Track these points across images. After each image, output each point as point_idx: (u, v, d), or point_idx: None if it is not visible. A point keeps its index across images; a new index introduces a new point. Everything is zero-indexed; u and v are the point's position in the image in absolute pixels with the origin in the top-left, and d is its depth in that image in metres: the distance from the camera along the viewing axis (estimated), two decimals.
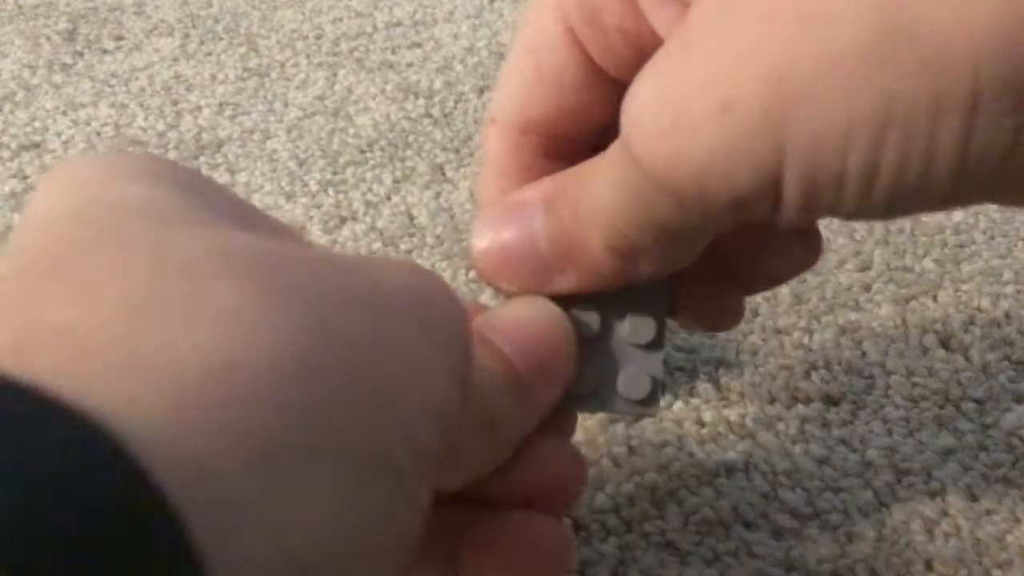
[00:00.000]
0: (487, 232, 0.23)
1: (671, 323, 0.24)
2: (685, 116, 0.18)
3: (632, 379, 0.23)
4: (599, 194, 0.21)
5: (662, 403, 0.23)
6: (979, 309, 0.36)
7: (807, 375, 0.33)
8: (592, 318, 0.23)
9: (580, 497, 0.25)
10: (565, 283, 0.22)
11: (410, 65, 0.57)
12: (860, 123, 0.17)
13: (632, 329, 0.23)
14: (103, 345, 0.13)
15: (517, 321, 0.22)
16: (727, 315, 0.25)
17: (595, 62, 0.23)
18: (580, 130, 0.24)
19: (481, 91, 0.54)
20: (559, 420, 0.23)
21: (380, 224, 0.42)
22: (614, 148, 0.21)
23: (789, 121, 0.17)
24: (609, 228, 0.21)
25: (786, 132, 0.17)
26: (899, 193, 0.17)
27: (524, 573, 0.22)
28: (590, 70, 0.23)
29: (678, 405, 0.32)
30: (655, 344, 0.23)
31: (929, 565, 0.27)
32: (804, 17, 0.17)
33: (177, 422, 0.13)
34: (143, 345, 0.13)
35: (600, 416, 0.31)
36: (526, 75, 0.24)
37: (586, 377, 0.23)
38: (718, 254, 0.23)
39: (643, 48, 0.22)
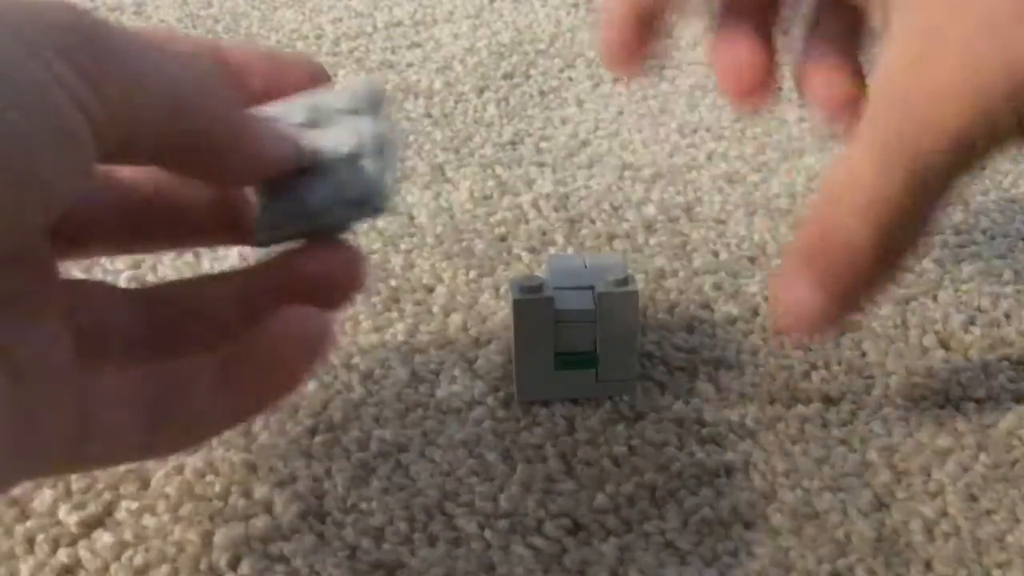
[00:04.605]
0: (780, 303, 0.26)
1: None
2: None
3: (352, 185, 0.25)
4: (860, 187, 0.25)
5: (384, 202, 0.25)
6: (979, 309, 0.36)
7: (807, 375, 0.33)
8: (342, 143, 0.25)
9: (355, 292, 0.26)
10: (854, 311, 0.26)
11: (410, 65, 0.57)
12: None
13: (348, 142, 0.25)
14: None
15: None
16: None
17: None
18: None
19: (481, 91, 0.54)
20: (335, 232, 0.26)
21: (380, 224, 0.42)
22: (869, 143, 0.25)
23: None
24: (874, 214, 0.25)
25: None
26: None
27: (278, 365, 0.24)
28: None
29: (678, 405, 0.32)
30: (360, 154, 0.25)
31: (929, 565, 0.27)
32: None
33: None
34: None
35: (601, 415, 0.31)
36: None
37: (314, 194, 0.25)
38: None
39: None
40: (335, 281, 0.25)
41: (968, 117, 0.23)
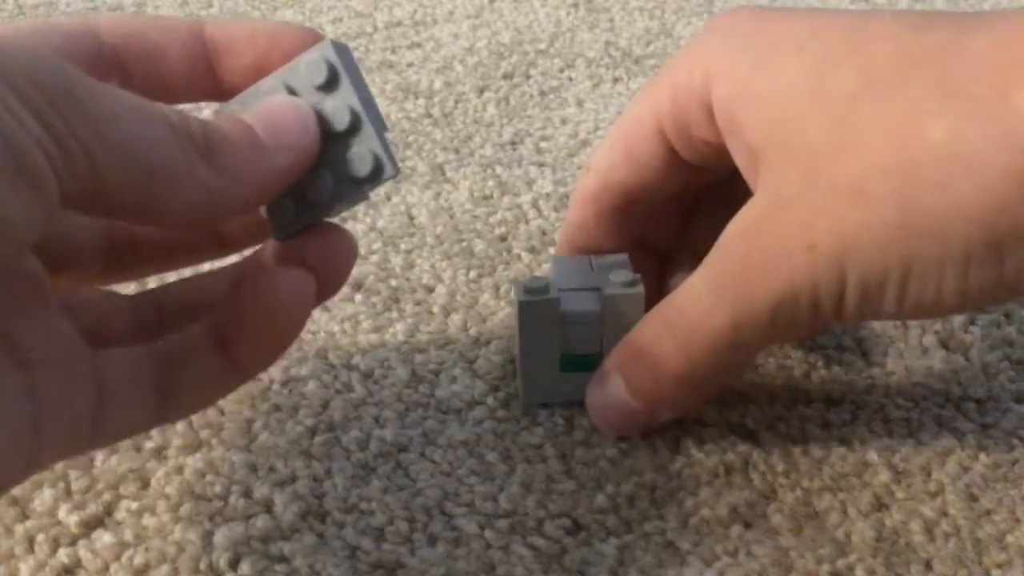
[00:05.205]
0: (592, 400, 0.30)
1: None
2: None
3: (355, 162, 0.25)
4: (674, 349, 0.28)
5: (396, 167, 0.25)
6: (979, 309, 0.36)
7: (807, 375, 0.33)
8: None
9: (346, 277, 0.27)
10: (662, 419, 0.30)
11: (410, 65, 0.57)
12: (893, 269, 0.25)
13: (336, 120, 0.24)
14: None
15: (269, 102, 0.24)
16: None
17: (677, 154, 0.31)
18: (648, 197, 0.32)
19: (481, 91, 0.54)
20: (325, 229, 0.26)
21: (380, 224, 0.42)
22: (697, 298, 0.28)
23: (849, 262, 0.25)
24: (687, 367, 0.28)
25: (848, 268, 0.25)
26: (921, 311, 0.25)
27: (270, 325, 0.25)
28: (671, 159, 0.31)
29: None
30: (354, 126, 0.24)
31: (929, 565, 0.27)
32: (857, 194, 0.25)
33: None
34: None
35: None
36: (617, 153, 0.32)
37: (320, 184, 0.25)
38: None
39: (720, 149, 0.29)
40: (329, 268, 0.26)
41: (795, 283, 0.26)
